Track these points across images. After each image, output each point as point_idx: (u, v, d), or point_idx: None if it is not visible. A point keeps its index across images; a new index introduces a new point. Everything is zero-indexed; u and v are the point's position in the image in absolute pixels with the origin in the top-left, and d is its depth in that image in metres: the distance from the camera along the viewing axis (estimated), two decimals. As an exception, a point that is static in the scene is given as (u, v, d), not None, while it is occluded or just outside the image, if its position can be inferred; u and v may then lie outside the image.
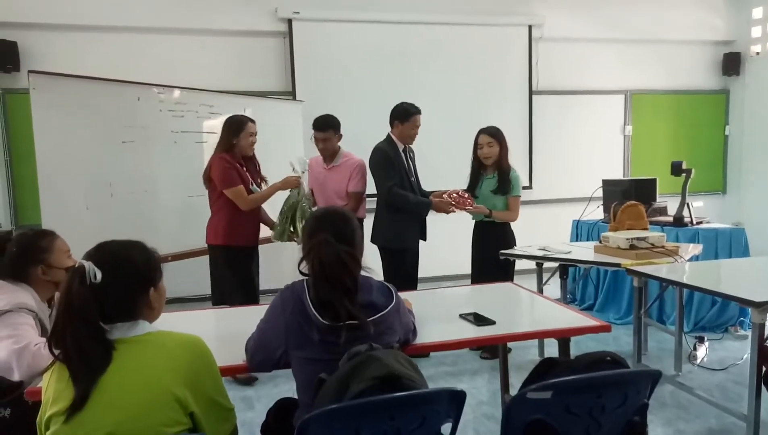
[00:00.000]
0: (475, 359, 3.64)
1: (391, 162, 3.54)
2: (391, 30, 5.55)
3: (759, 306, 2.25)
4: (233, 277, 3.37)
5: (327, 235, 1.53)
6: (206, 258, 4.18)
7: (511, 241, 3.67)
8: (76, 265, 1.25)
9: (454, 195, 3.59)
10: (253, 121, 3.42)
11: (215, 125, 4.32)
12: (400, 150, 3.63)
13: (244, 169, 3.38)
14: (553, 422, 1.39)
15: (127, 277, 1.29)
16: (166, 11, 5.05)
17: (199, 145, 4.18)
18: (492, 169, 3.65)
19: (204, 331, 1.41)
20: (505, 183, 3.61)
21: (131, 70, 4.49)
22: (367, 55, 5.52)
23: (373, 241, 3.62)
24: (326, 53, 5.42)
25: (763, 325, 2.31)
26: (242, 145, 3.35)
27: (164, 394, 1.22)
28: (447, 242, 4.65)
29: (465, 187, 3.74)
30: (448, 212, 3.56)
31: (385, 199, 3.57)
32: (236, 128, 3.35)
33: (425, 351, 1.88)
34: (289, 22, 5.31)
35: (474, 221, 3.79)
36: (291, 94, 5.33)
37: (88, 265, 1.23)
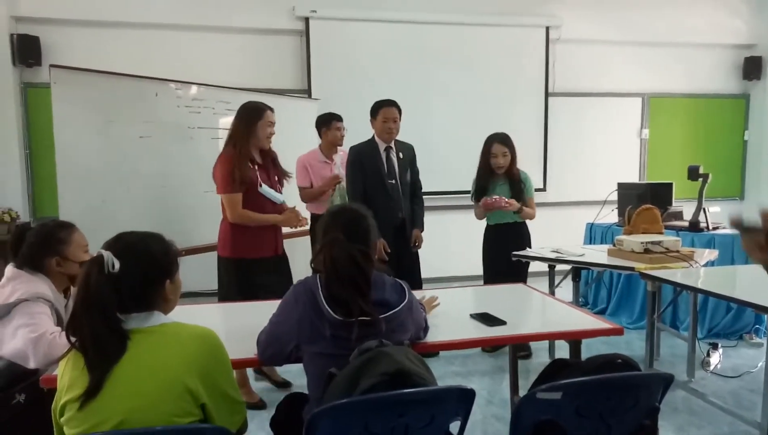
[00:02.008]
0: (484, 360, 3.64)
1: (357, 166, 3.41)
2: (407, 29, 5.55)
3: (775, 313, 2.22)
4: (238, 293, 2.91)
5: (339, 233, 1.55)
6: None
7: (527, 242, 3.66)
8: (96, 255, 1.27)
9: (489, 201, 3.53)
10: (272, 109, 3.00)
11: (230, 122, 4.37)
12: (381, 149, 3.47)
13: (256, 166, 2.94)
14: (562, 423, 1.39)
15: (145, 268, 1.31)
16: (185, 8, 5.10)
17: (214, 141, 4.21)
18: (503, 176, 3.64)
19: (216, 324, 1.44)
20: (518, 189, 3.62)
21: (150, 66, 4.53)
22: (383, 54, 5.53)
23: None
24: (342, 52, 5.44)
25: (778, 333, 2.27)
26: (259, 137, 2.92)
27: (177, 384, 1.24)
28: (456, 243, 4.65)
29: (472, 193, 3.72)
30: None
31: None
32: (253, 116, 2.91)
33: (435, 350, 1.88)
34: (307, 20, 5.34)
35: (486, 223, 3.77)
36: (307, 92, 5.36)
37: (107, 254, 1.25)
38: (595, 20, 5.99)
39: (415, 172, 3.64)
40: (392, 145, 3.48)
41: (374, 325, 1.50)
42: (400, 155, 3.52)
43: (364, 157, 3.43)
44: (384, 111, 3.40)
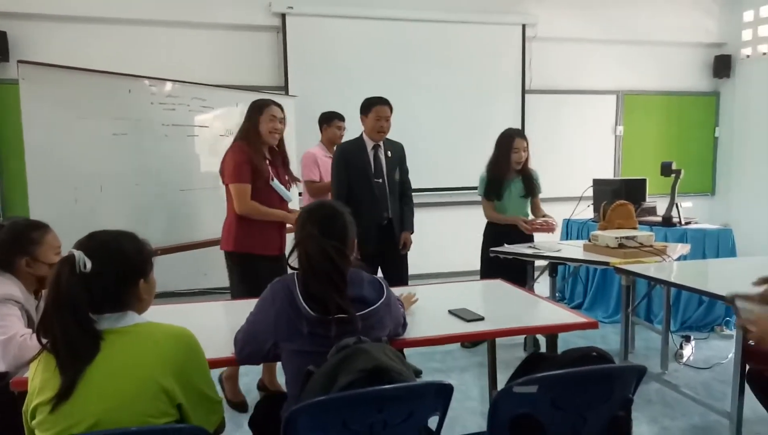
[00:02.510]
0: (463, 356, 3.66)
1: (341, 165, 3.33)
2: (385, 26, 5.55)
3: (744, 305, 2.28)
4: (244, 290, 2.81)
5: (314, 229, 1.54)
6: (197, 252, 4.20)
7: (530, 238, 3.73)
8: (67, 254, 1.24)
9: (539, 221, 3.58)
10: (277, 105, 2.96)
11: (207, 119, 4.31)
12: (369, 148, 3.36)
13: (267, 162, 2.92)
14: (539, 416, 1.40)
15: (118, 267, 1.28)
16: (159, 3, 5.02)
17: (190, 138, 4.16)
18: (516, 173, 3.67)
19: (192, 324, 1.41)
20: (533, 186, 3.69)
21: (123, 63, 4.46)
22: (360, 51, 5.51)
23: None
24: (320, 49, 5.41)
25: (747, 324, 2.33)
26: (261, 132, 2.88)
27: (152, 384, 1.22)
28: (437, 240, 4.67)
29: (483, 190, 3.72)
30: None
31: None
32: (255, 112, 2.90)
33: (414, 346, 1.88)
34: (283, 16, 5.29)
35: (486, 224, 3.80)
36: (284, 89, 5.32)
37: (79, 254, 1.23)
38: (571, 18, 6.07)
39: (404, 172, 3.54)
40: (380, 143, 3.39)
41: (351, 322, 1.50)
42: (389, 154, 3.43)
43: (349, 155, 3.35)
44: (377, 109, 3.32)
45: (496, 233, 3.71)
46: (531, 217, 3.78)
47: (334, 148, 3.79)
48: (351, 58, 5.49)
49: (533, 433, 1.41)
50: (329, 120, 4.28)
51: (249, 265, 2.87)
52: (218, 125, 4.37)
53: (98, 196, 3.55)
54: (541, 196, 3.87)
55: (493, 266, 3.52)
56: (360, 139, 3.40)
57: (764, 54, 6.22)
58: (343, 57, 5.47)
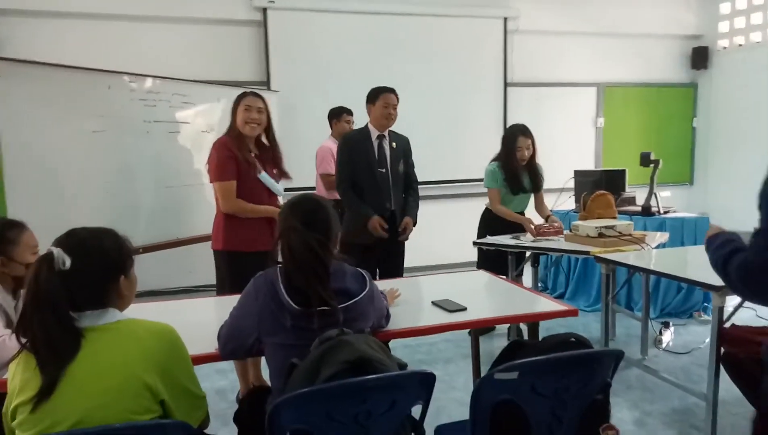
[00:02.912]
0: (448, 347, 3.70)
1: (347, 155, 3.29)
2: (367, 20, 5.54)
3: (719, 290, 2.34)
4: (231, 288, 2.70)
5: (297, 222, 1.55)
6: (181, 250, 4.18)
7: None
8: (46, 252, 1.24)
9: (545, 226, 3.55)
10: (255, 95, 2.86)
11: (188, 115, 4.28)
12: (373, 137, 3.32)
13: (254, 155, 2.85)
14: (520, 402, 1.43)
15: (98, 264, 1.28)
16: (138, -2, 4.96)
17: (172, 134, 4.13)
18: (523, 167, 3.70)
19: (176, 320, 1.41)
20: (538, 180, 3.74)
21: (102, 58, 4.40)
22: (343, 45, 5.50)
23: None
24: (302, 43, 5.39)
25: (722, 308, 2.40)
26: (237, 123, 2.80)
27: (134, 381, 1.23)
28: (424, 233, 4.67)
29: (497, 183, 3.71)
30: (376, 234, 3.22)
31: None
32: (234, 104, 2.84)
33: (398, 337, 1.90)
34: (264, 11, 5.26)
35: (487, 208, 3.82)
36: (266, 84, 5.29)
37: (58, 251, 1.22)
38: (551, 12, 6.11)
39: (409, 165, 3.49)
40: (385, 134, 3.34)
41: (334, 314, 1.51)
42: (393, 145, 3.37)
43: (353, 143, 3.31)
44: (385, 96, 3.27)
45: (493, 224, 3.75)
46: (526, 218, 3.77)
47: (340, 138, 3.79)
48: (333, 53, 5.47)
49: (515, 418, 1.44)
50: (338, 115, 4.45)
51: (239, 264, 2.78)
52: (200, 121, 4.34)
53: (78, 194, 3.51)
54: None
55: (491, 256, 3.56)
56: (365, 128, 3.36)
57: (740, 46, 6.33)
58: (325, 51, 5.45)
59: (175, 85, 4.18)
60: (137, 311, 1.41)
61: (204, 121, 4.36)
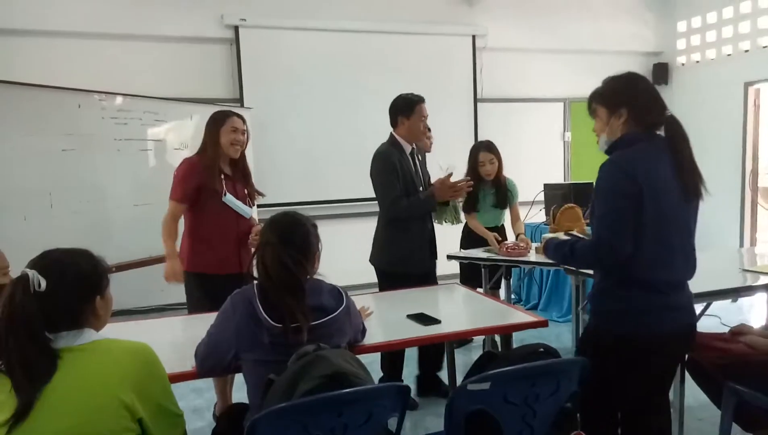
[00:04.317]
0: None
1: (394, 170, 2.89)
2: (339, 38, 5.61)
3: (681, 298, 2.43)
4: (197, 311, 2.61)
5: (274, 238, 1.57)
6: (153, 268, 4.14)
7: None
8: (21, 274, 1.24)
9: (510, 245, 3.48)
10: (239, 116, 2.80)
11: (160, 132, 4.28)
12: (407, 152, 3.00)
13: (223, 176, 2.73)
14: (492, 411, 1.48)
15: (73, 285, 1.28)
16: (108, 16, 4.93)
17: (143, 152, 4.12)
18: (489, 183, 3.74)
19: (151, 339, 1.42)
20: (504, 196, 3.73)
21: (71, 77, 4.36)
22: (315, 62, 5.56)
23: (371, 261, 3.10)
24: (274, 60, 5.43)
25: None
26: (222, 144, 2.70)
27: (112, 401, 1.23)
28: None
29: (461, 203, 3.60)
30: (450, 198, 2.96)
31: (387, 214, 2.99)
32: (216, 123, 2.73)
33: (374, 351, 1.92)
34: (236, 29, 5.29)
35: (466, 224, 3.83)
36: (239, 101, 5.30)
37: (32, 273, 1.23)
38: (518, 29, 6.29)
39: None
40: (414, 147, 3.08)
41: (311, 331, 1.54)
42: (419, 158, 3.13)
43: (396, 159, 2.93)
44: (421, 107, 2.98)
45: (469, 237, 3.79)
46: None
47: (376, 154, 3.05)
48: (305, 70, 5.52)
49: (488, 428, 1.48)
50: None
51: (203, 286, 2.69)
52: (172, 138, 4.33)
53: (48, 214, 3.47)
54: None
55: (467, 269, 3.63)
56: (398, 143, 3.00)
57: (697, 62, 6.60)
58: (297, 69, 5.50)
59: (146, 102, 4.18)
60: (112, 331, 1.41)
61: (176, 139, 4.36)
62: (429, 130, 3.35)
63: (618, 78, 1.82)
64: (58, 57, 4.81)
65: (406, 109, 2.99)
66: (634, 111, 1.74)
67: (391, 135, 3.05)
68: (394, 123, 3.04)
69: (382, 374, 2.99)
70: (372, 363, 1.46)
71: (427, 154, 3.53)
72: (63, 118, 3.59)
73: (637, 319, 1.71)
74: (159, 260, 4.09)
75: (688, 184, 1.70)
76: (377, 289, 2.99)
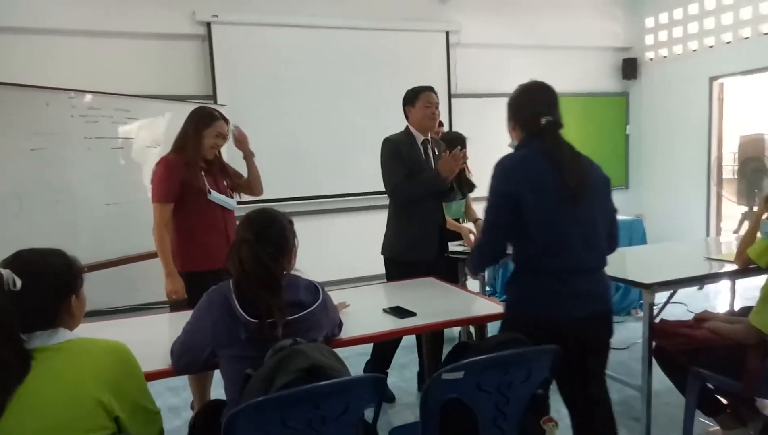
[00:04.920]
0: (402, 354, 3.76)
1: (399, 155, 2.93)
2: (312, 34, 5.59)
3: (648, 287, 2.52)
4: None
5: (250, 234, 1.58)
6: (128, 267, 4.09)
7: None
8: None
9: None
10: (226, 121, 2.74)
11: (132, 130, 4.21)
12: (419, 142, 3.02)
13: (203, 173, 2.70)
14: (466, 399, 1.52)
15: (48, 284, 1.28)
16: (78, 12, 4.83)
17: (115, 151, 4.06)
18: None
19: (125, 338, 1.41)
20: (464, 185, 3.81)
21: (39, 74, 4.27)
22: (289, 59, 5.53)
23: (382, 251, 3.12)
24: (247, 57, 5.39)
25: (652, 305, 2.58)
26: (203, 145, 2.67)
27: (88, 399, 1.23)
28: (372, 243, 4.74)
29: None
30: (455, 169, 2.91)
31: (391, 198, 3.05)
32: (202, 123, 2.67)
33: (351, 344, 1.95)
34: (208, 25, 5.23)
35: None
36: (212, 98, 5.26)
37: (7, 273, 1.22)
38: (491, 25, 6.36)
39: None
40: (428, 138, 3.07)
41: (288, 326, 1.55)
42: (436, 151, 3.09)
43: (402, 147, 2.96)
44: (425, 95, 2.99)
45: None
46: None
47: (382, 142, 3.10)
48: (279, 66, 5.50)
49: (462, 416, 1.52)
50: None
51: (199, 285, 2.51)
52: (144, 136, 4.28)
53: (17, 214, 3.40)
54: (471, 195, 4.01)
55: (450, 263, 3.65)
56: (408, 132, 3.04)
57: (665, 57, 6.76)
58: (271, 65, 5.47)
59: (117, 100, 4.11)
60: (86, 331, 1.40)
61: (148, 137, 4.30)
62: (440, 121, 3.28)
63: (513, 93, 2.02)
64: (24, 54, 4.70)
65: (410, 98, 3.05)
66: (518, 121, 1.98)
67: (406, 126, 3.09)
68: (405, 115, 3.10)
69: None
70: (349, 358, 1.48)
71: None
72: (31, 116, 3.51)
73: (539, 305, 1.86)
74: (132, 259, 4.05)
75: (569, 182, 1.81)
76: (358, 284, 3.01)
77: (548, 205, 1.82)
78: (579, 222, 1.84)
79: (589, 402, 1.99)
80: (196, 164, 2.65)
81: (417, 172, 2.93)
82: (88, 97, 3.89)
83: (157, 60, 5.18)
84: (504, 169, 1.89)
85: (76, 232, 3.72)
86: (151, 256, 3.71)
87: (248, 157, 2.95)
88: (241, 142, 2.91)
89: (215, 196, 2.71)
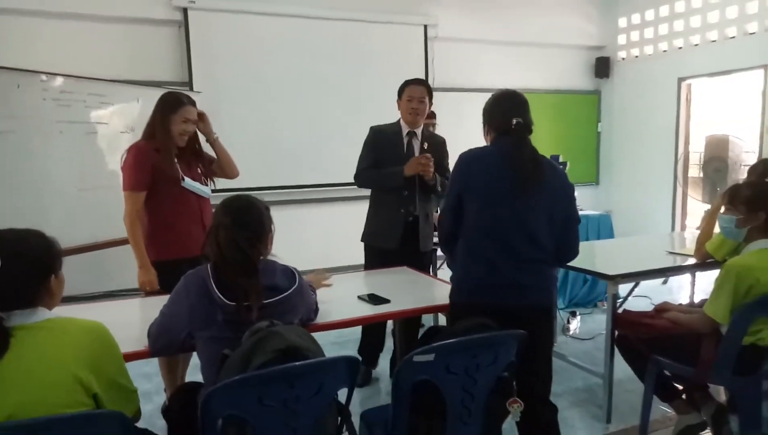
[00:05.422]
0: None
1: (370, 145, 3.06)
2: (289, 23, 5.58)
3: (612, 279, 2.63)
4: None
5: (227, 219, 1.62)
6: (100, 254, 4.05)
7: None
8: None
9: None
10: (192, 103, 2.66)
11: (105, 115, 4.16)
12: (404, 133, 3.07)
13: (175, 160, 2.63)
14: (436, 381, 1.58)
15: (27, 264, 1.30)
16: (49, -7, 4.73)
17: (88, 136, 4.00)
18: None
19: (103, 321, 1.43)
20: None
21: (10, 56, 4.18)
22: (266, 47, 5.51)
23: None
24: (225, 44, 5.35)
25: (616, 295, 2.69)
26: (173, 132, 2.60)
27: (66, 376, 1.26)
28: (348, 233, 4.79)
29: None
30: (419, 171, 2.92)
31: (355, 183, 3.15)
32: (168, 108, 2.60)
33: (327, 329, 1.99)
34: (185, 10, 5.17)
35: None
36: (188, 84, 5.21)
37: (-15, 252, 1.23)
38: (468, 20, 6.42)
39: (443, 168, 3.11)
40: (416, 132, 3.09)
41: (264, 309, 1.59)
42: (425, 146, 3.07)
43: (381, 136, 3.06)
44: (409, 89, 3.01)
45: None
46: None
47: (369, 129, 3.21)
48: (257, 55, 5.47)
49: (431, 397, 1.59)
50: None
51: (174, 274, 2.34)
52: (118, 122, 4.23)
53: (-14, 198, 3.34)
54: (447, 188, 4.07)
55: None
56: (396, 123, 3.12)
57: (636, 57, 6.93)
58: (248, 53, 5.44)
59: (91, 84, 4.05)
60: (62, 313, 1.42)
61: (122, 122, 4.25)
62: (426, 113, 3.19)
63: (488, 100, 2.23)
64: (-7, 34, 4.59)
65: (399, 91, 3.10)
66: (492, 124, 2.16)
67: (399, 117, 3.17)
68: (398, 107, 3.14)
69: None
70: (324, 346, 1.52)
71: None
72: (1, 99, 3.45)
73: (469, 290, 2.00)
74: (104, 245, 4.01)
75: (518, 178, 1.93)
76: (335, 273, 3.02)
77: (493, 197, 1.96)
78: (521, 216, 1.94)
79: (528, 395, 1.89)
80: (167, 151, 2.59)
81: (388, 163, 2.96)
82: (61, 80, 3.83)
83: (132, 45, 5.10)
84: (460, 161, 2.07)
85: (48, 217, 3.66)
86: (123, 242, 3.68)
87: (212, 140, 2.87)
88: (203, 124, 2.82)
89: (189, 183, 2.65)
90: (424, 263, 3.18)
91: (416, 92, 3.01)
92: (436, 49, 6.35)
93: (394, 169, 2.96)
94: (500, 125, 2.07)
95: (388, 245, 3.01)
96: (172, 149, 2.62)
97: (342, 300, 2.28)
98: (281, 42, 5.56)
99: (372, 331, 3.24)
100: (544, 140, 6.99)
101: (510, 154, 1.97)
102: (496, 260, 1.94)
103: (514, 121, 2.01)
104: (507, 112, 2.06)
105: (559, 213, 2.01)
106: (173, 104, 2.61)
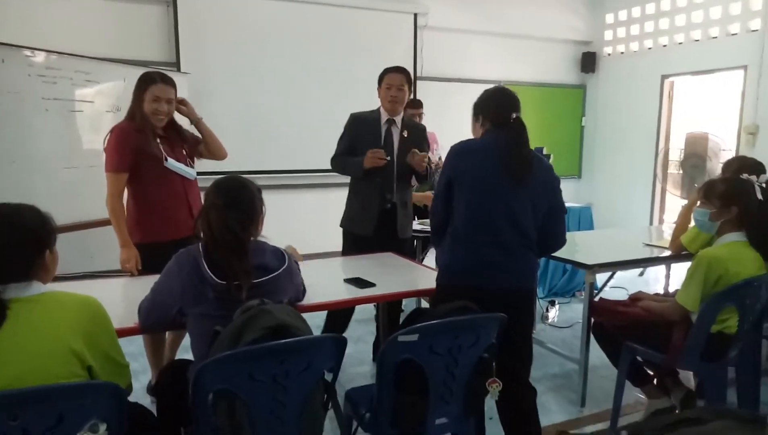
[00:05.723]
0: (359, 326, 3.89)
1: (347, 131, 3.12)
2: (281, 7, 5.55)
3: (590, 268, 2.72)
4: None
5: (219, 200, 1.65)
6: (83, 234, 4.03)
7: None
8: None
9: None
10: (166, 82, 2.57)
11: (91, 94, 4.12)
12: (382, 120, 3.07)
13: (158, 140, 2.59)
14: (419, 361, 1.64)
15: (24, 237, 1.32)
16: (33, -33, 4.65)
17: (73, 114, 3.97)
18: None
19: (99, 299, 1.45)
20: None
21: (-7, 29, 4.12)
22: (256, 30, 5.49)
23: None
24: (213, 25, 5.31)
25: (593, 284, 2.78)
26: (146, 112, 2.54)
27: (62, 348, 1.29)
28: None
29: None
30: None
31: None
32: (140, 88, 2.56)
33: (314, 310, 2.04)
34: (174, -10, 5.13)
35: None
36: (176, 65, 5.17)
37: (-18, 225, 1.25)
38: (458, 10, 6.45)
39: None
40: (396, 120, 3.08)
41: (253, 288, 1.63)
42: (405, 134, 3.07)
43: (360, 123, 3.08)
44: (388, 77, 3.02)
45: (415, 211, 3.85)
46: None
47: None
48: (246, 37, 5.44)
49: (414, 375, 1.65)
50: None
51: (161, 256, 2.27)
52: (103, 101, 4.19)
53: (-31, 174, 3.31)
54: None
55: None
56: (376, 111, 3.12)
57: (622, 53, 7.03)
58: (237, 35, 5.41)
59: (77, 61, 4.01)
60: (54, 288, 1.44)
61: (107, 101, 4.22)
62: (405, 101, 3.18)
63: (480, 95, 2.24)
64: (-24, 7, 4.51)
65: (379, 79, 3.10)
66: (488, 115, 2.16)
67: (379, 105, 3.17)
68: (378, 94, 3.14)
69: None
70: (314, 329, 1.57)
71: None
72: (-15, 73, 3.41)
73: (456, 272, 2.05)
74: (88, 225, 3.99)
75: (508, 170, 1.99)
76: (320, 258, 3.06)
77: (484, 188, 2.01)
78: (509, 207, 2.00)
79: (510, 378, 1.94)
80: (148, 131, 2.55)
81: (366, 150, 2.94)
82: (47, 56, 3.78)
83: (120, 23, 5.05)
84: (452, 151, 2.11)
85: (33, 195, 3.63)
86: (106, 223, 3.67)
87: (196, 122, 2.83)
88: (185, 108, 2.78)
89: (172, 163, 2.62)
90: (404, 250, 3.17)
91: (395, 80, 3.00)
92: (425, 38, 6.37)
93: (356, 159, 2.97)
94: (498, 117, 2.10)
95: (364, 231, 3.03)
96: (150, 129, 2.57)
97: (328, 283, 2.34)
98: (271, 25, 5.54)
99: (336, 321, 3.16)
100: (529, 132, 7.07)
101: (507, 147, 2.02)
102: (482, 246, 2.00)
103: (514, 115, 2.07)
104: (505, 105, 2.11)
105: (544, 204, 2.07)
106: (144, 81, 2.56)
